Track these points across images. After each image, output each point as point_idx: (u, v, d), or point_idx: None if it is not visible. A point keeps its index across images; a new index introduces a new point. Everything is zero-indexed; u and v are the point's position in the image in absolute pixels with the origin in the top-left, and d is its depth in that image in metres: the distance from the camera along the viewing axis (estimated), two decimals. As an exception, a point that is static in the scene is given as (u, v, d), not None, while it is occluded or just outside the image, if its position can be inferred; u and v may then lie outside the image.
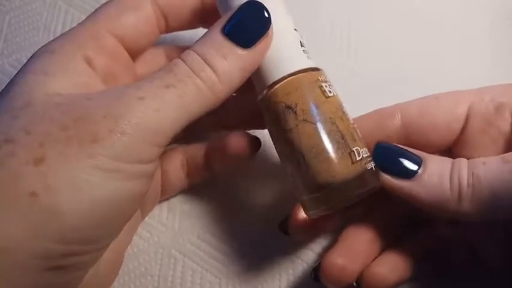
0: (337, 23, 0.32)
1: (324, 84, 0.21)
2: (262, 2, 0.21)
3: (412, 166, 0.21)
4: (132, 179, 0.19)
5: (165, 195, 0.27)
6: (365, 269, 0.23)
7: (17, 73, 0.20)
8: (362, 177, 0.20)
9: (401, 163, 0.21)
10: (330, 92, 0.21)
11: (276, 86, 0.21)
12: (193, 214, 0.28)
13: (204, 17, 0.25)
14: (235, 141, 0.25)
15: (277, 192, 0.28)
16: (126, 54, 0.23)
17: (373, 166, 0.21)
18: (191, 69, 0.20)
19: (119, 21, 0.22)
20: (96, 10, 0.23)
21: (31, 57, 0.21)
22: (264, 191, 0.28)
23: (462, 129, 0.23)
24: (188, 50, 0.20)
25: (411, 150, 0.21)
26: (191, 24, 0.25)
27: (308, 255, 0.27)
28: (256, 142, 0.25)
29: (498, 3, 0.32)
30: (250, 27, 0.20)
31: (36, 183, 0.17)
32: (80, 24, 0.22)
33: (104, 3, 0.23)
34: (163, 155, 0.25)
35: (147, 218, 0.28)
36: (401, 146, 0.22)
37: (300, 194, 0.21)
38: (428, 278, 0.25)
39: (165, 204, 0.28)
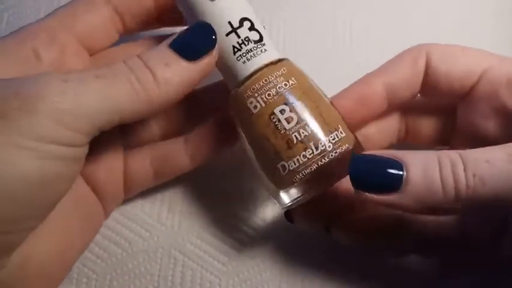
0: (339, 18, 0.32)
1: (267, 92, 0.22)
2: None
3: (394, 178, 0.19)
4: (55, 160, 0.18)
5: (130, 193, 0.27)
6: (343, 217, 0.23)
7: None
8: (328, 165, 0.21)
9: (381, 178, 0.19)
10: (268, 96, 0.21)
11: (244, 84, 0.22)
12: (193, 214, 0.28)
13: (161, 17, 0.25)
14: (218, 130, 0.25)
15: None
16: (85, 53, 0.24)
17: (345, 149, 0.21)
18: (129, 68, 0.20)
19: (74, 20, 0.23)
20: (54, 11, 0.23)
21: None
22: (264, 191, 0.28)
23: (471, 89, 0.22)
24: (132, 55, 0.20)
25: (390, 155, 0.19)
26: (149, 25, 0.26)
27: (308, 256, 0.27)
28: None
29: None
30: (196, 46, 0.21)
31: None
32: (37, 20, 0.23)
33: (61, 6, 0.24)
34: (128, 154, 0.25)
35: (146, 218, 0.28)
36: (378, 154, 0.20)
37: (268, 189, 0.23)
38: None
39: (165, 204, 0.28)
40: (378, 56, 0.25)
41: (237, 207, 0.28)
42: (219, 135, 0.25)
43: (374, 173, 0.19)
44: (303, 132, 0.21)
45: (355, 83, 0.24)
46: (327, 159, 0.21)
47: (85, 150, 0.20)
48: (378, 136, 0.25)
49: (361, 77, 0.24)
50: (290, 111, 0.21)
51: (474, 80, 0.22)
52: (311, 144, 0.21)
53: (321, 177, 0.21)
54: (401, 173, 0.19)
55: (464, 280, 0.25)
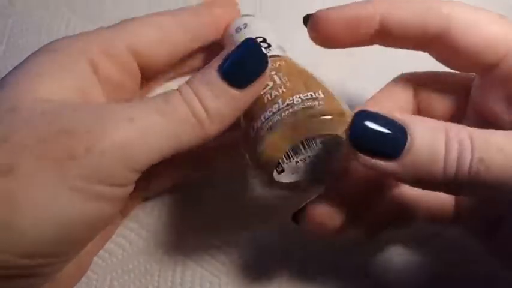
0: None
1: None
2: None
3: (396, 143, 0.18)
4: (101, 201, 0.18)
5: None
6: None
7: (11, 70, 0.20)
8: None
9: (381, 140, 0.18)
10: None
11: None
12: (193, 214, 0.28)
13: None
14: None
15: (278, 192, 0.28)
16: (136, 70, 0.23)
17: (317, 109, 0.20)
18: (185, 100, 0.19)
19: (138, 35, 0.22)
20: (119, 22, 0.23)
21: (31, 54, 0.21)
22: (264, 191, 0.28)
23: (493, 66, 0.20)
24: (184, 83, 0.20)
25: (395, 118, 0.18)
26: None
27: (307, 256, 0.27)
28: None
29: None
30: (247, 68, 0.20)
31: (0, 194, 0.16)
32: (95, 29, 0.22)
33: (128, 19, 0.23)
34: None
35: (147, 218, 0.28)
36: (383, 114, 0.18)
37: (250, 167, 0.22)
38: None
39: (165, 204, 0.28)
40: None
41: (237, 208, 0.28)
42: None
43: (375, 134, 0.18)
44: (274, 93, 0.21)
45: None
46: (291, 110, 0.20)
47: (133, 186, 0.20)
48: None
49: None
50: (270, 80, 0.21)
51: (500, 55, 0.20)
52: (279, 100, 0.20)
53: (286, 131, 0.20)
54: (404, 139, 0.17)
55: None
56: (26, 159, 0.17)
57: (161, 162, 0.19)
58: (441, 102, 0.23)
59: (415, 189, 0.23)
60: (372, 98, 0.24)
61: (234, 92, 0.20)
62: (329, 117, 0.20)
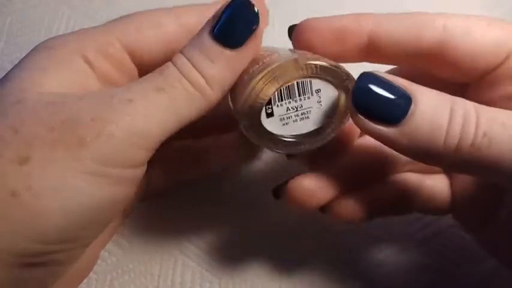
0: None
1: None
2: None
3: (398, 109, 0.17)
4: (118, 184, 0.18)
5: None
6: (335, 199, 0.22)
7: (13, 67, 0.20)
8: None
9: (384, 103, 0.18)
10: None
11: None
12: (193, 213, 0.28)
13: None
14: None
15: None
16: (133, 69, 0.23)
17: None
18: (181, 72, 0.19)
19: (134, 34, 0.22)
20: (115, 19, 0.22)
21: (30, 51, 0.21)
22: (263, 192, 0.28)
23: (494, 69, 0.20)
24: (178, 53, 0.20)
25: (400, 84, 0.18)
26: None
27: (308, 256, 0.27)
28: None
29: None
30: (238, 25, 0.19)
31: (19, 182, 0.17)
32: (92, 27, 0.22)
33: (126, 15, 0.23)
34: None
35: (146, 218, 0.28)
36: (389, 78, 0.18)
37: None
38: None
39: (166, 204, 0.28)
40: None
41: (237, 208, 0.28)
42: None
43: (378, 98, 0.18)
44: (262, 54, 0.20)
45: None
46: (277, 58, 0.19)
47: (145, 167, 0.20)
48: None
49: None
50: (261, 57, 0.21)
51: (501, 59, 0.20)
52: (268, 58, 0.20)
53: (276, 70, 0.19)
54: (407, 105, 0.17)
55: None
56: (39, 148, 0.17)
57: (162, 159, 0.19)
58: None
59: (414, 176, 0.23)
60: None
61: (229, 52, 0.19)
62: (318, 62, 0.19)
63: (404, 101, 0.17)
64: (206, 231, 0.28)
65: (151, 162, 0.22)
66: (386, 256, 0.27)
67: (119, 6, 0.33)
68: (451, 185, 0.23)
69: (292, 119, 0.20)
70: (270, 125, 0.20)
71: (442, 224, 0.27)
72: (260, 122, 0.20)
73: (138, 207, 0.28)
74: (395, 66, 0.24)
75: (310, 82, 0.20)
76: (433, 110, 0.17)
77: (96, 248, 0.24)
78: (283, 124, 0.20)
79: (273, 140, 0.20)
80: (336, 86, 0.20)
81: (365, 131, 0.18)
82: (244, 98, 0.20)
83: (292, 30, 0.22)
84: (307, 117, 0.20)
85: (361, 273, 0.27)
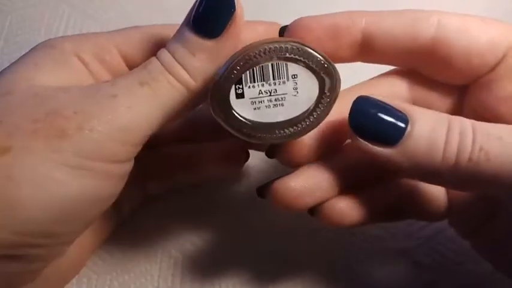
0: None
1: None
2: None
3: (396, 130, 0.18)
4: (101, 179, 0.18)
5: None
6: (324, 202, 0.21)
7: (12, 63, 0.20)
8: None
9: (381, 125, 0.18)
10: None
11: None
12: (193, 214, 0.28)
13: None
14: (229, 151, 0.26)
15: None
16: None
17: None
18: (164, 66, 0.19)
19: (130, 43, 0.22)
20: (121, 29, 0.23)
21: (31, 49, 0.21)
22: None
23: (492, 68, 0.20)
24: (163, 48, 0.20)
25: (396, 105, 0.18)
26: None
27: (307, 257, 0.27)
28: (246, 155, 0.26)
29: None
30: (214, 14, 0.19)
31: None
32: (91, 33, 0.22)
33: (133, 26, 0.23)
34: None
35: (146, 218, 0.28)
36: (384, 101, 0.18)
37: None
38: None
39: (166, 205, 0.28)
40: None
41: (236, 208, 0.28)
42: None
43: (375, 120, 0.18)
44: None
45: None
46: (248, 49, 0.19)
47: (132, 163, 0.20)
48: None
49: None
50: None
51: (498, 57, 0.20)
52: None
53: (242, 67, 0.19)
54: (404, 126, 0.18)
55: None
56: (20, 139, 0.17)
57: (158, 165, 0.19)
58: (437, 101, 0.22)
59: (409, 180, 0.23)
60: (367, 82, 0.23)
61: (209, 43, 0.19)
62: (288, 44, 0.19)
63: (401, 122, 0.18)
64: (206, 231, 0.28)
65: (146, 168, 0.22)
66: (386, 256, 0.27)
67: (119, 6, 0.33)
68: (447, 191, 0.23)
69: (265, 104, 0.19)
70: (241, 107, 0.19)
71: (442, 224, 0.27)
72: (230, 103, 0.19)
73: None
74: (394, 67, 0.23)
75: (286, 65, 0.19)
76: (430, 129, 0.18)
77: (80, 252, 0.24)
78: (255, 108, 0.19)
79: (242, 125, 0.19)
80: (316, 75, 0.19)
81: (364, 152, 0.18)
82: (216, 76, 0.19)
83: (283, 31, 0.22)
84: (282, 105, 0.19)
85: (361, 273, 0.27)
